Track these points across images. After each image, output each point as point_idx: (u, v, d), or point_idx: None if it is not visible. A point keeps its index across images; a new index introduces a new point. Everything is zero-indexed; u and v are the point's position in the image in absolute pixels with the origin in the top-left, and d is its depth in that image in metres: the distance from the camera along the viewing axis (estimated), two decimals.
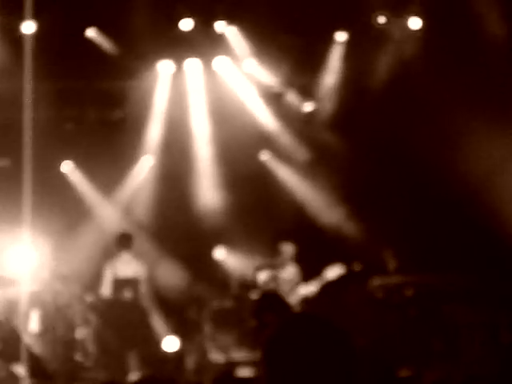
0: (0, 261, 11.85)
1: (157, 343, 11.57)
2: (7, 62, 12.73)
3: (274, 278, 10.96)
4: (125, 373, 10.53)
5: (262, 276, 11.05)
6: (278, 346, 2.39)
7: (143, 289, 11.35)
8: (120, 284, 11.19)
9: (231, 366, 11.26)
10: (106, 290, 11.37)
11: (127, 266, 11.30)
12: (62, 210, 13.29)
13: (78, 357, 11.08)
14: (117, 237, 11.64)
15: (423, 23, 12.64)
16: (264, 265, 11.37)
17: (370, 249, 12.25)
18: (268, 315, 6.91)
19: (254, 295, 10.79)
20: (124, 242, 11.49)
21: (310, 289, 11.38)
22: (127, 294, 11.13)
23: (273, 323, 7.08)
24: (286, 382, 2.35)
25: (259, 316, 7.26)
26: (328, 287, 11.40)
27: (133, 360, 10.90)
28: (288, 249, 11.65)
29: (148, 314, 11.52)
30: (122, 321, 10.94)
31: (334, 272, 11.34)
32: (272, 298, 7.72)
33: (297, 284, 11.42)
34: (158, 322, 12.74)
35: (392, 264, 11.85)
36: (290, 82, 13.59)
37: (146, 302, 11.37)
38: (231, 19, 12.74)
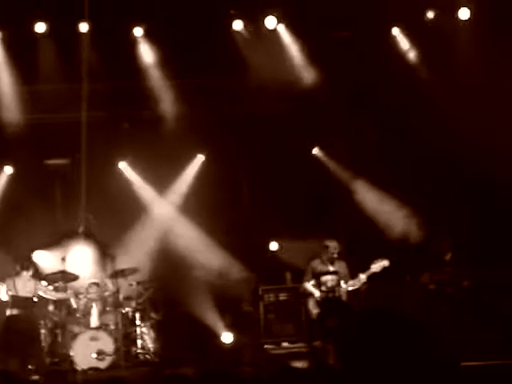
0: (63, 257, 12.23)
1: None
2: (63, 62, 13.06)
3: (338, 282, 11.03)
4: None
5: (325, 278, 11.19)
6: (357, 344, 2.46)
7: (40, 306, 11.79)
8: (16, 302, 11.55)
9: (287, 357, 11.44)
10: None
11: (24, 286, 11.61)
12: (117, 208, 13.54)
13: None
14: (17, 260, 11.95)
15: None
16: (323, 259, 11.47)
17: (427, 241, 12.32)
18: (331, 320, 6.97)
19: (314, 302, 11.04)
20: (23, 264, 11.79)
21: (358, 282, 11.46)
22: (21, 311, 11.53)
23: (336, 327, 7.15)
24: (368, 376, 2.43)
25: (323, 321, 7.28)
26: (374, 279, 11.50)
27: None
28: (333, 245, 11.72)
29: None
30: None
31: (379, 265, 11.43)
32: (334, 304, 7.69)
33: (345, 277, 11.51)
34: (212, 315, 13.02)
35: (448, 255, 11.94)
36: None
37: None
38: None
